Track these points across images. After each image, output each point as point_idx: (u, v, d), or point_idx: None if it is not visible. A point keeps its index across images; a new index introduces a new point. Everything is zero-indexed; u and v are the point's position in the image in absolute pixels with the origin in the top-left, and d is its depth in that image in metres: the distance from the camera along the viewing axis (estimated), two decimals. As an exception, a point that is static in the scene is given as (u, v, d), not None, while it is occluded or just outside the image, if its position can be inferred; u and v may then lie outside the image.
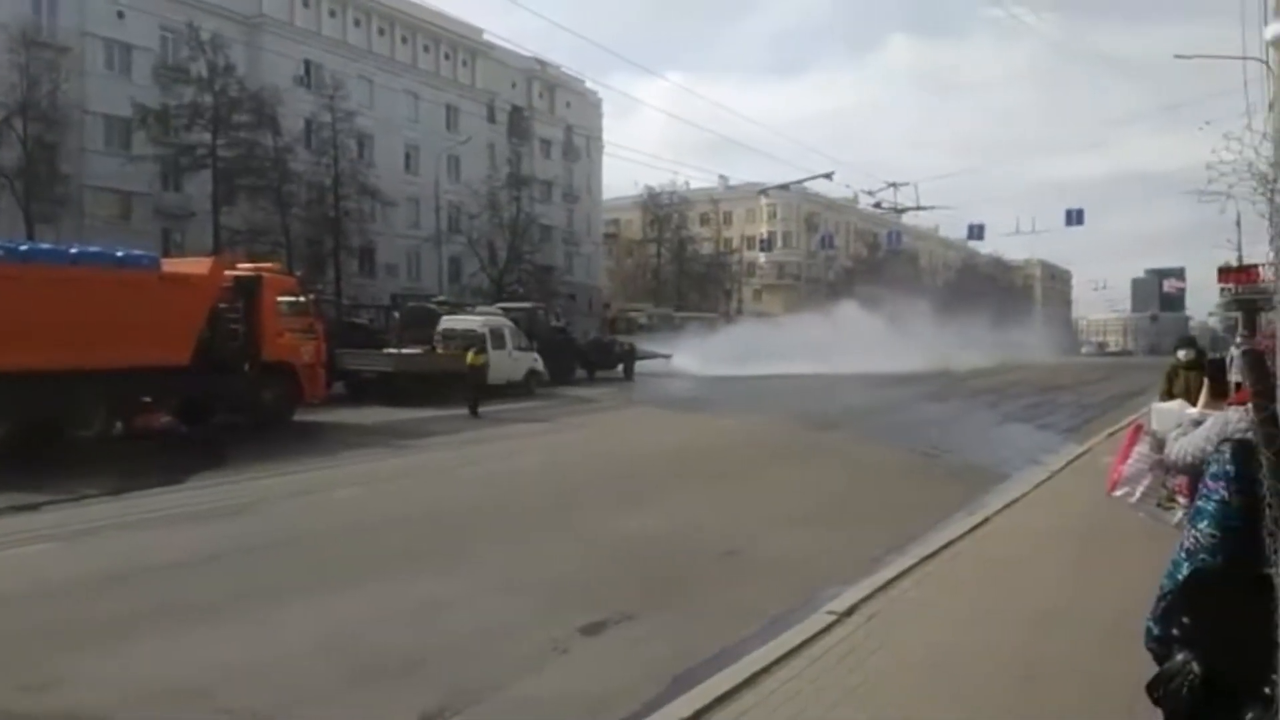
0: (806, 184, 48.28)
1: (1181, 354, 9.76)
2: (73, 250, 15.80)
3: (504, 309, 34.19)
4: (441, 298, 38.14)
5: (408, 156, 53.22)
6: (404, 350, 25.58)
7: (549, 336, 33.04)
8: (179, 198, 41.17)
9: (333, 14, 49.96)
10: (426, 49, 55.41)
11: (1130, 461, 4.18)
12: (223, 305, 17.14)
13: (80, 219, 36.25)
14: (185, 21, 39.33)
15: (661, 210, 68.68)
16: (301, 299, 19.24)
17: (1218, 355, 8.63)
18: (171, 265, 17.51)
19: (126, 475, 11.86)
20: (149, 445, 15.25)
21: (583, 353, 36.71)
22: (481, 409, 20.38)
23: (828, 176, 42.60)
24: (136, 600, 6.57)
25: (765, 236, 75.34)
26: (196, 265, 17.73)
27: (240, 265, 19.34)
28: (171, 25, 40.17)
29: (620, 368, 37.57)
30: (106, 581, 7.07)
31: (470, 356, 21.88)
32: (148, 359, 14.97)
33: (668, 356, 39.64)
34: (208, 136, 38.22)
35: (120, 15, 38.26)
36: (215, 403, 17.31)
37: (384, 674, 5.31)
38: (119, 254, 16.00)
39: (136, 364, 14.82)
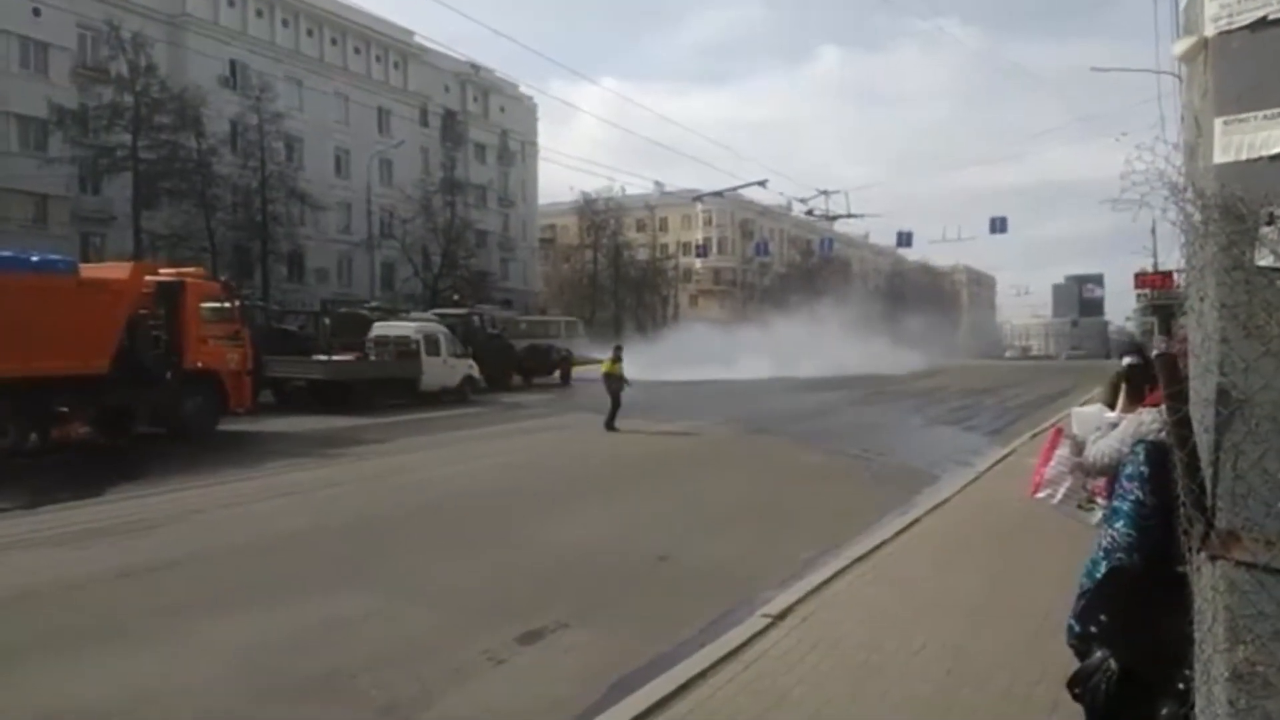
0: (741, 191, 48.60)
1: (1127, 360, 9.72)
2: (-16, 255, 15.16)
3: (440, 315, 33.84)
4: (374, 303, 37.57)
5: (338, 160, 52.38)
6: (335, 357, 25.12)
7: (485, 343, 32.77)
8: (98, 201, 39.92)
9: (259, 14, 48.93)
10: (357, 51, 54.63)
11: (1051, 464, 4.28)
12: (143, 311, 16.62)
13: (-7, 222, 34.99)
14: (105, 20, 38.21)
15: (597, 216, 68.68)
16: (226, 305, 18.72)
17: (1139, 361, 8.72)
18: (90, 270, 16.93)
19: (41, 489, 11.46)
20: (65, 457, 14.73)
21: (519, 359, 36.49)
22: (418, 415, 19.84)
23: (761, 184, 42.91)
24: (45, 619, 6.31)
25: (701, 243, 75.99)
26: (116, 270, 17.16)
27: (162, 270, 18.75)
28: (90, 24, 38.98)
29: (557, 374, 37.46)
30: (15, 600, 6.78)
31: (607, 365, 20.34)
32: (65, 367, 14.48)
33: None
34: (128, 138, 37.15)
35: (36, 13, 36.97)
36: (135, 413, 16.73)
37: (310, 692, 5.16)
38: (34, 258, 15.43)
39: (53, 372, 14.33)
